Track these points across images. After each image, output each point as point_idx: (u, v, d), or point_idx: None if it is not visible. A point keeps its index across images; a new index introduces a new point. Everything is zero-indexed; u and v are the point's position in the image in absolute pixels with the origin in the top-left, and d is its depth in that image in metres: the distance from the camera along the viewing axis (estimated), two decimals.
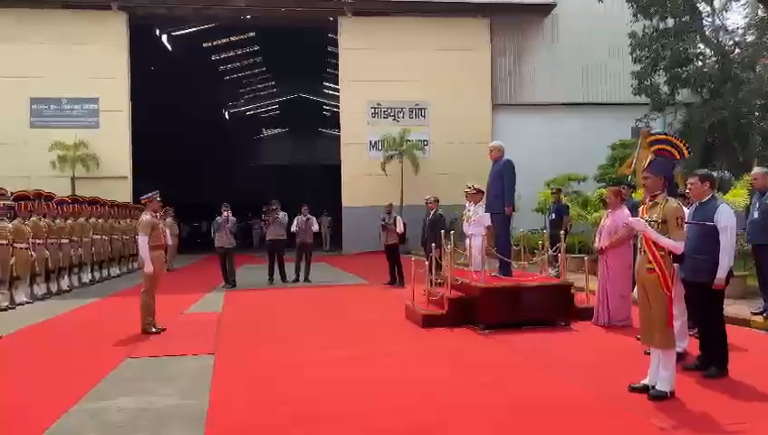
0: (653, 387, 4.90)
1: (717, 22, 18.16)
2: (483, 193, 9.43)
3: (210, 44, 34.28)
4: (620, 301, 7.94)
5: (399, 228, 13.00)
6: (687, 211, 5.79)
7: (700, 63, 18.10)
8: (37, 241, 11.32)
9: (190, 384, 5.63)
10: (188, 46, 31.97)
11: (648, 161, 5.32)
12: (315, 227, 14.09)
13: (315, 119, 47.11)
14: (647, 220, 5.00)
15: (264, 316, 9.64)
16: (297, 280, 13.91)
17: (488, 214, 9.05)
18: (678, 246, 4.90)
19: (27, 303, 10.91)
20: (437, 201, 11.98)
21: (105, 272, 15.22)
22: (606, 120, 23.03)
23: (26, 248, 10.82)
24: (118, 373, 6.07)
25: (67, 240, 12.64)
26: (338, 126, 25.98)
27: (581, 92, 25.25)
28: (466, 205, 10.24)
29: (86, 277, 14.04)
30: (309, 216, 13.96)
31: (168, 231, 17.64)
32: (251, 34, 32.75)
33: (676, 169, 6.23)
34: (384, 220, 13.04)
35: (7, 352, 7.33)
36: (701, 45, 17.96)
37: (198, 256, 23.80)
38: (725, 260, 5.39)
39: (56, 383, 5.77)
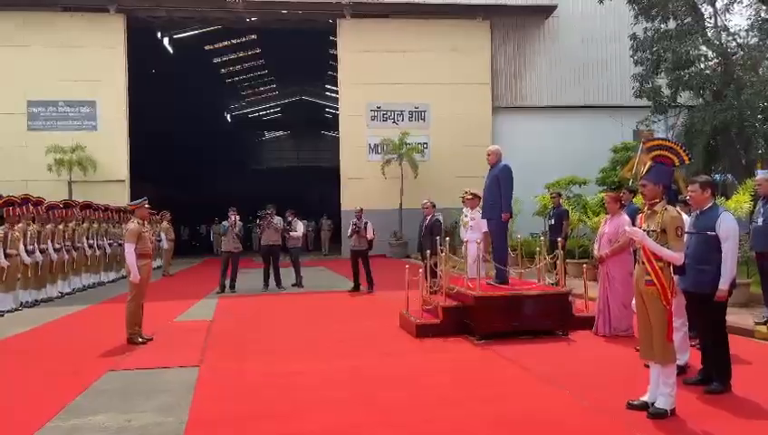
0: (652, 404, 4.69)
1: (719, 23, 17.98)
2: (479, 198, 9.22)
3: (212, 47, 34.18)
4: (622, 310, 7.70)
5: (369, 234, 12.76)
6: (688, 219, 5.59)
7: (702, 66, 17.88)
8: (26, 247, 11.11)
9: (173, 399, 5.41)
10: (190, 49, 31.85)
11: (646, 168, 5.08)
12: (297, 232, 13.81)
13: (317, 122, 47.07)
14: (645, 230, 4.78)
15: (254, 324, 9.43)
16: (295, 286, 13.73)
17: (486, 219, 8.83)
18: (678, 258, 4.69)
19: (15, 310, 10.72)
20: (434, 205, 11.72)
21: (99, 278, 15.00)
22: (607, 123, 22.75)
23: (16, 255, 10.63)
24: (98, 387, 5.86)
25: (58, 245, 12.44)
26: (338, 129, 25.80)
27: (582, 95, 25.07)
28: (464, 210, 10.05)
29: (79, 283, 13.84)
30: (291, 219, 13.72)
31: (164, 235, 17.73)
32: (252, 37, 32.63)
33: (676, 173, 6.02)
34: (355, 225, 12.79)
35: None
36: (703, 47, 17.72)
37: (196, 259, 23.66)
38: (728, 270, 5.18)
39: (31, 398, 5.57)
